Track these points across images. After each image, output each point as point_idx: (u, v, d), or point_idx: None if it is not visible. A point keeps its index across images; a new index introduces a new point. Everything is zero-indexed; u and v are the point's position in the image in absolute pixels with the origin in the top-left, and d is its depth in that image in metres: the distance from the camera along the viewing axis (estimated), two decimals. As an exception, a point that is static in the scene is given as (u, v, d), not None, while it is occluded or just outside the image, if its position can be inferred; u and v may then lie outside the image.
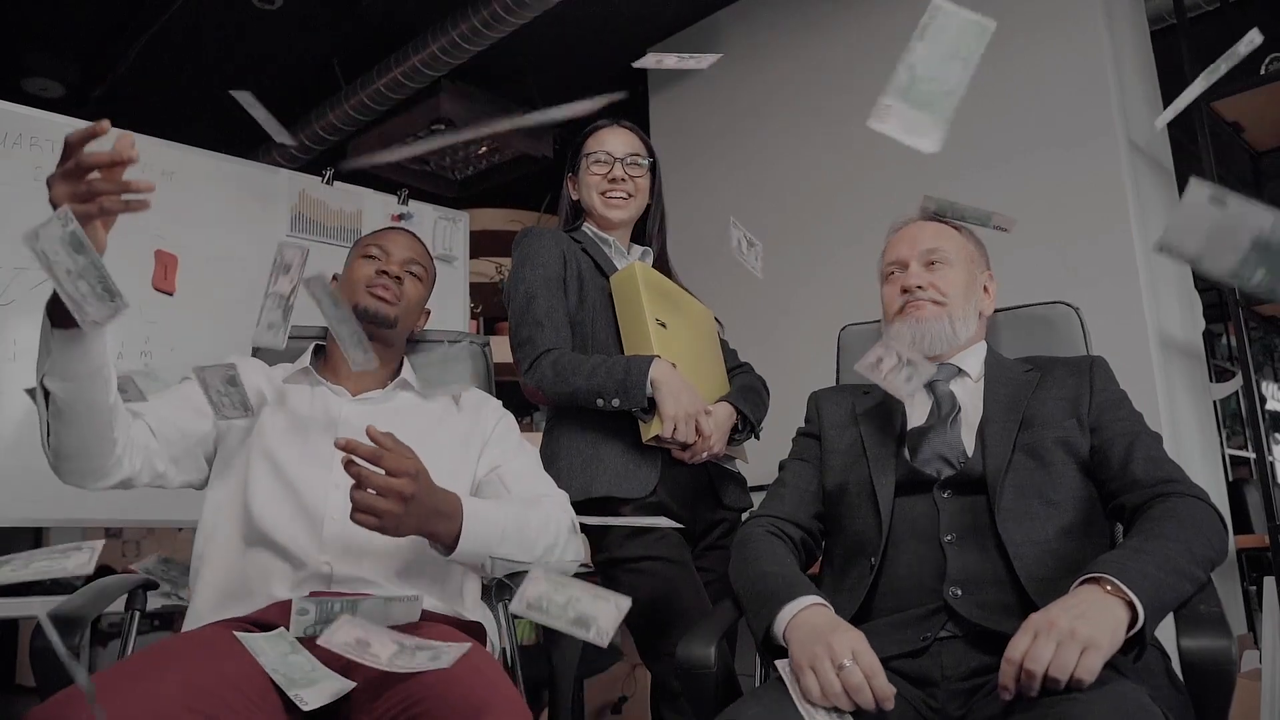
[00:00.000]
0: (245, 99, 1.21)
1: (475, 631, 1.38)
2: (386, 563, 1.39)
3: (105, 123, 1.05)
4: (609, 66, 3.96)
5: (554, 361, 1.68)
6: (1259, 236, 0.78)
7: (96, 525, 3.05)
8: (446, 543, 1.29)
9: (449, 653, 1.11)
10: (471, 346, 1.92)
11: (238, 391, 1.35)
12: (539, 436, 1.83)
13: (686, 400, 1.62)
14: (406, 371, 1.66)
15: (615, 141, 1.86)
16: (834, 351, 1.83)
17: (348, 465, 1.19)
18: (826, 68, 3.24)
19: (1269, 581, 2.30)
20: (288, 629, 1.25)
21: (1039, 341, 1.63)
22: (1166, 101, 2.82)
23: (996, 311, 1.61)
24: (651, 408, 1.62)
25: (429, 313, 1.75)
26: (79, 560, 1.16)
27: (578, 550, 1.48)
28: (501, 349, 1.93)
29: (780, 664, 1.15)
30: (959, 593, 1.21)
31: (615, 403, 1.62)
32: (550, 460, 1.74)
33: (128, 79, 3.91)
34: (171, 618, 3.70)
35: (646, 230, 1.96)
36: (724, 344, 1.98)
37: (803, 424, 1.59)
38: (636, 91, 3.89)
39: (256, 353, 1.81)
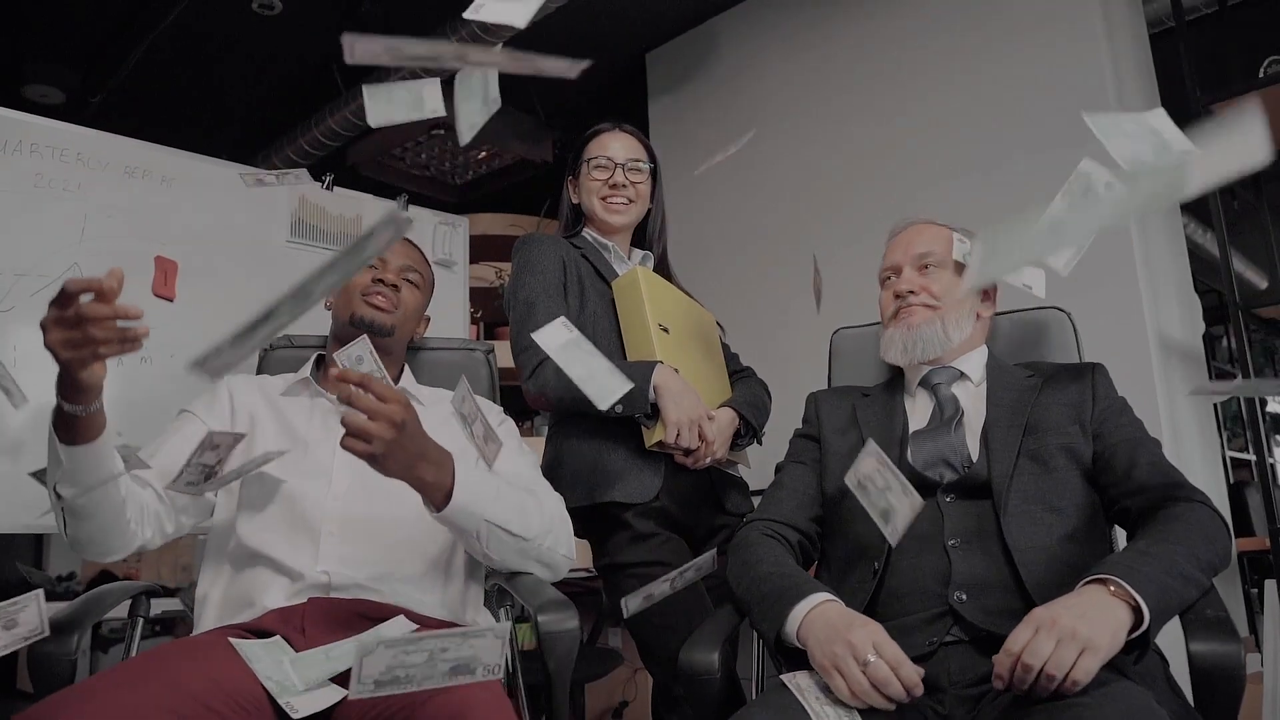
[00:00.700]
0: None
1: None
2: (386, 569, 1.39)
3: (112, 281, 1.04)
4: (608, 71, 3.96)
5: (557, 368, 1.68)
6: None
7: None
8: (437, 497, 1.26)
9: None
10: (475, 354, 1.92)
11: (217, 468, 1.33)
12: (538, 441, 1.83)
13: (689, 405, 1.62)
14: (407, 378, 1.66)
15: (616, 146, 1.86)
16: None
17: (340, 388, 1.16)
18: (824, 72, 3.24)
19: (1270, 584, 2.30)
20: (285, 637, 1.25)
21: (1032, 346, 1.64)
22: (1165, 104, 2.82)
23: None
24: (655, 413, 1.62)
25: (429, 320, 1.75)
26: (29, 621, 1.17)
27: (571, 548, 1.47)
28: (503, 353, 1.94)
29: (786, 677, 1.14)
30: (964, 597, 1.21)
31: (618, 409, 1.62)
32: (554, 466, 1.74)
33: (127, 85, 3.91)
34: (173, 623, 3.70)
35: (647, 234, 1.96)
36: (725, 348, 1.98)
37: (800, 425, 1.59)
38: (636, 96, 3.89)
39: (267, 354, 1.83)
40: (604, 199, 1.85)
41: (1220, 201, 2.48)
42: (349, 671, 1.17)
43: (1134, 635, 1.04)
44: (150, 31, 3.55)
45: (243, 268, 2.50)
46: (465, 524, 1.30)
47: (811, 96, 3.27)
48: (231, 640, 1.22)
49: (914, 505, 1.08)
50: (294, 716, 1.11)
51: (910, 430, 1.43)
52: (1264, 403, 2.40)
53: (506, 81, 1.02)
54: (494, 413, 1.65)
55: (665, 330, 1.71)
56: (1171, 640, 1.16)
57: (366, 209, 2.84)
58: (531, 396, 1.72)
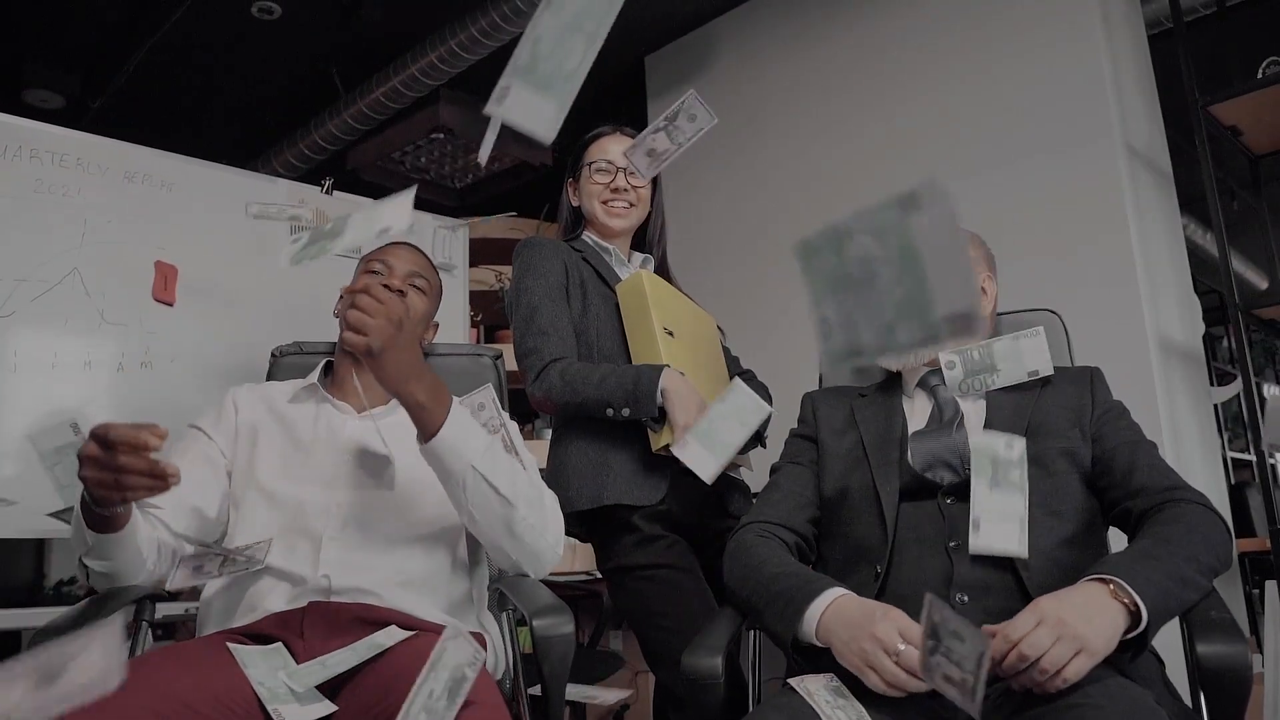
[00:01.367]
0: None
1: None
2: (387, 574, 1.39)
3: (155, 440, 1.08)
4: (606, 75, 3.97)
5: (562, 371, 1.68)
6: None
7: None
8: (430, 426, 1.26)
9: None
10: (483, 359, 1.92)
11: (207, 565, 1.37)
12: (539, 444, 1.83)
13: (696, 409, 1.62)
14: None
15: (617, 149, 1.85)
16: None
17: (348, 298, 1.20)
18: (823, 74, 3.25)
19: (1271, 585, 2.29)
20: (284, 640, 1.26)
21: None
22: (1164, 106, 2.83)
23: (983, 318, 1.60)
24: (662, 417, 1.62)
25: (437, 326, 1.74)
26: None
27: (558, 540, 1.45)
28: (508, 355, 1.94)
29: (794, 681, 1.14)
30: (966, 599, 1.21)
31: (625, 412, 1.61)
32: (559, 469, 1.73)
33: (127, 89, 3.92)
34: (174, 627, 3.69)
35: (647, 238, 1.96)
36: (725, 351, 1.98)
37: (795, 425, 1.58)
38: (635, 99, 3.90)
39: (276, 360, 1.83)
40: (605, 203, 1.84)
41: (1220, 202, 2.48)
42: (341, 680, 1.19)
43: (1130, 636, 1.04)
44: (150, 36, 3.56)
45: (243, 272, 2.50)
46: (451, 464, 1.29)
47: (810, 98, 3.28)
48: (229, 645, 1.23)
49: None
50: None
51: (909, 431, 1.42)
52: (1264, 403, 2.40)
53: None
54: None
55: (670, 334, 1.71)
56: (1168, 641, 1.16)
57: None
58: (536, 401, 1.72)
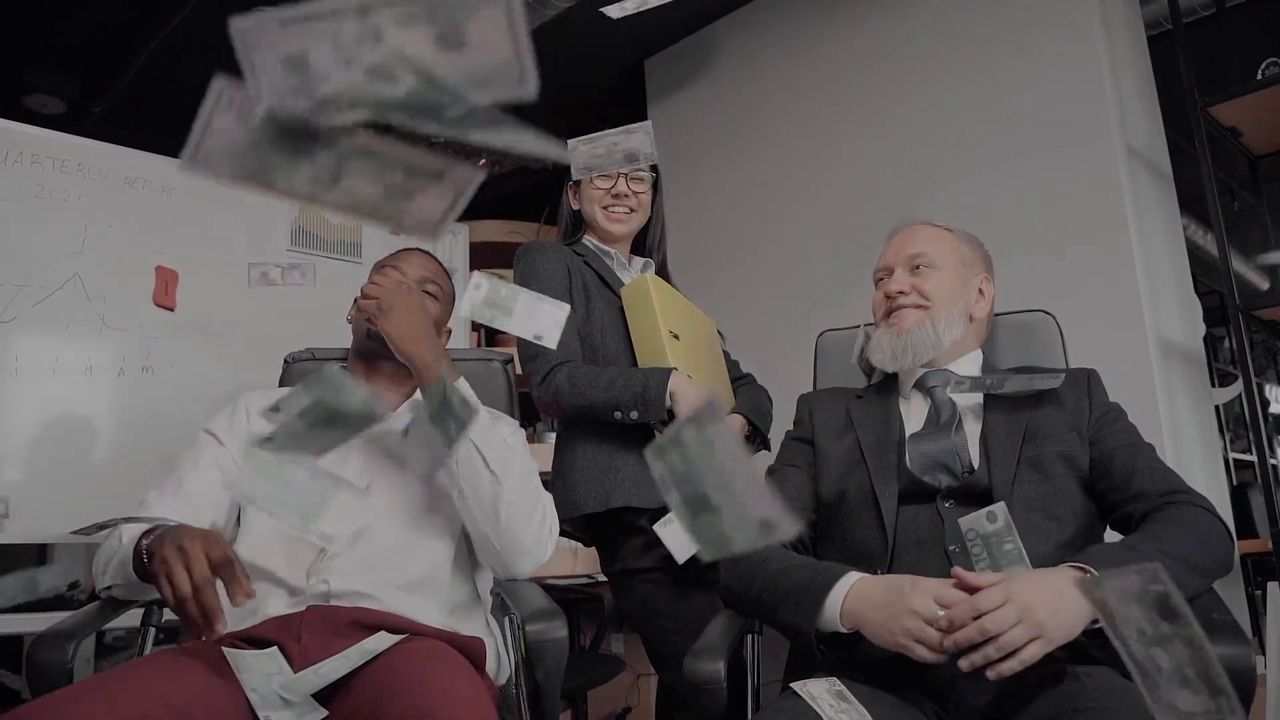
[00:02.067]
0: None
1: (474, 648, 1.37)
2: (387, 576, 1.39)
3: (243, 596, 1.12)
4: (607, 77, 3.97)
5: (569, 374, 1.68)
6: None
7: (100, 542, 3.04)
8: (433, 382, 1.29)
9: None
10: (492, 365, 1.92)
11: None
12: (541, 447, 1.83)
13: None
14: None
15: (617, 153, 1.86)
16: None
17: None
18: (822, 76, 3.25)
19: (1273, 586, 2.29)
20: (281, 644, 1.26)
21: (1019, 349, 1.63)
22: (1164, 106, 2.83)
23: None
24: (670, 419, 1.62)
25: (449, 331, 1.74)
26: None
27: (549, 535, 1.46)
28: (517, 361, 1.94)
29: (797, 685, 1.14)
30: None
31: (634, 415, 1.61)
32: (565, 472, 1.73)
33: (128, 94, 3.92)
34: (175, 631, 3.68)
35: (647, 242, 1.96)
36: (725, 355, 1.98)
37: (791, 427, 1.58)
38: (635, 102, 3.90)
39: (289, 366, 1.83)
40: (606, 208, 1.85)
41: (1220, 202, 2.48)
42: (333, 685, 1.19)
43: (1098, 625, 1.04)
44: (151, 40, 3.56)
45: (244, 277, 2.51)
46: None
47: (810, 99, 3.28)
48: (225, 650, 1.23)
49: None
50: None
51: (906, 433, 1.42)
52: (1265, 404, 2.40)
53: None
54: (507, 424, 1.64)
55: (676, 337, 1.71)
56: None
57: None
58: (542, 404, 1.72)
